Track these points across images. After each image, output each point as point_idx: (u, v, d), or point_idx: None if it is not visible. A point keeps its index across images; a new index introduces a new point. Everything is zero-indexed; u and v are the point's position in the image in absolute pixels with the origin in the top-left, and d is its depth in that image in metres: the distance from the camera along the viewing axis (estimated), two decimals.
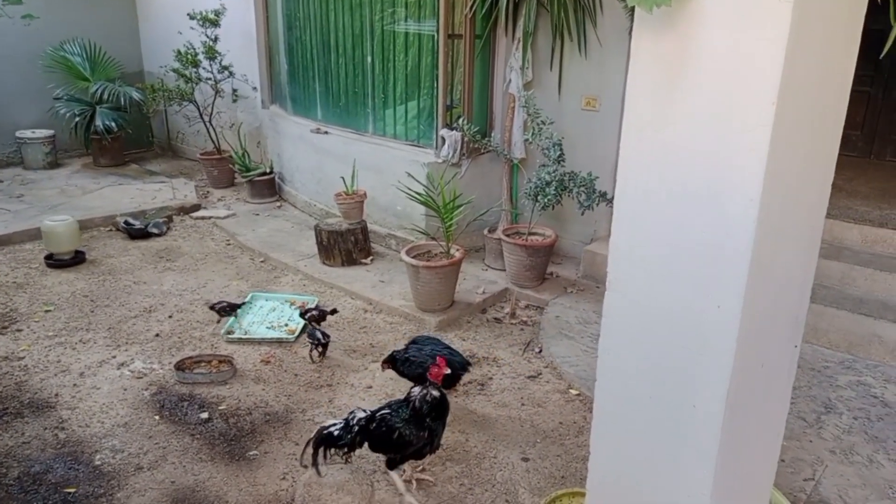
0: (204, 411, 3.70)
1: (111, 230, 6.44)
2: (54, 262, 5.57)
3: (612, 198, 4.83)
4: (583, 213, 4.83)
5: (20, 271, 5.47)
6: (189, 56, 7.47)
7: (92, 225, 6.44)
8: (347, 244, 5.59)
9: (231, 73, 7.58)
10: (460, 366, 3.68)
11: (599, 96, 5.26)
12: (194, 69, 7.52)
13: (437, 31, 5.26)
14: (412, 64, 5.68)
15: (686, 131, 1.88)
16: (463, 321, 4.83)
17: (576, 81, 5.34)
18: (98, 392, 3.84)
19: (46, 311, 4.79)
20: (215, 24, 7.45)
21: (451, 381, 3.62)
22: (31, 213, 6.54)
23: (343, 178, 5.76)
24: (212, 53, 7.45)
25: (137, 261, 5.78)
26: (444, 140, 5.48)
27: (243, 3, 7.38)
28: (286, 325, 4.69)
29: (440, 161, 5.50)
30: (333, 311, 4.59)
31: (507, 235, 5.22)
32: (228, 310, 4.55)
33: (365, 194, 5.77)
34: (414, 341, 3.86)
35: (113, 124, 8.08)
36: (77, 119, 8.09)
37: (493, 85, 5.70)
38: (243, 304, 4.71)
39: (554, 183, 4.74)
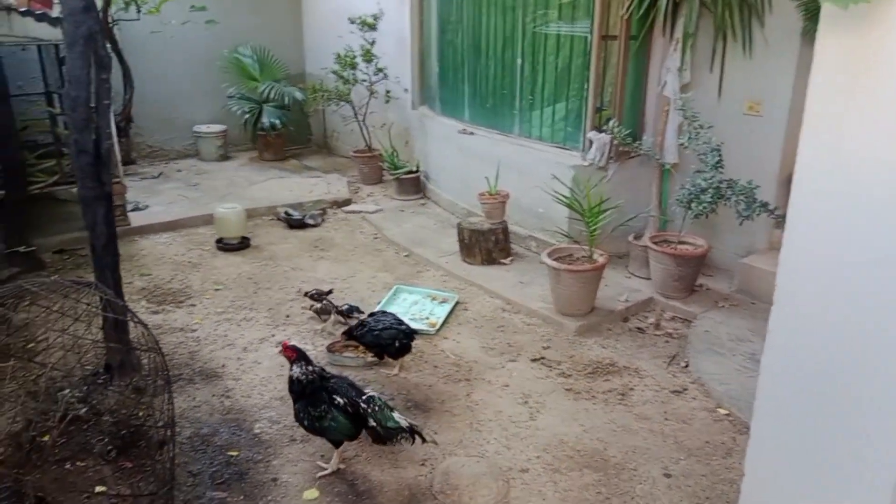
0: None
1: (272, 219, 6.96)
2: (224, 245, 6.11)
3: (775, 208, 4.56)
4: (741, 224, 4.57)
5: (195, 252, 6.06)
6: (348, 59, 7.91)
7: (256, 214, 6.99)
8: (488, 243, 5.66)
9: (385, 75, 7.93)
10: (405, 335, 4.02)
11: (763, 100, 4.94)
12: (352, 71, 7.94)
13: (591, 33, 5.19)
14: (562, 65, 5.65)
15: (873, 138, 1.74)
16: (603, 328, 4.73)
17: (737, 84, 5.06)
18: (259, 367, 4.18)
19: (216, 290, 5.28)
20: (373, 27, 7.83)
21: (400, 352, 4.05)
22: (205, 200, 7.21)
23: (487, 178, 5.84)
24: (368, 56, 7.83)
25: (295, 249, 6.21)
26: (591, 143, 5.40)
27: (399, 8, 7.68)
28: (427, 318, 4.83)
29: (586, 164, 5.42)
30: (329, 292, 4.89)
31: (655, 243, 5.05)
32: (317, 296, 4.75)
33: (508, 195, 5.82)
34: (372, 314, 4.25)
35: (277, 122, 8.73)
36: (246, 116, 8.82)
37: (647, 87, 5.53)
38: (330, 291, 4.93)
39: (710, 190, 4.53)
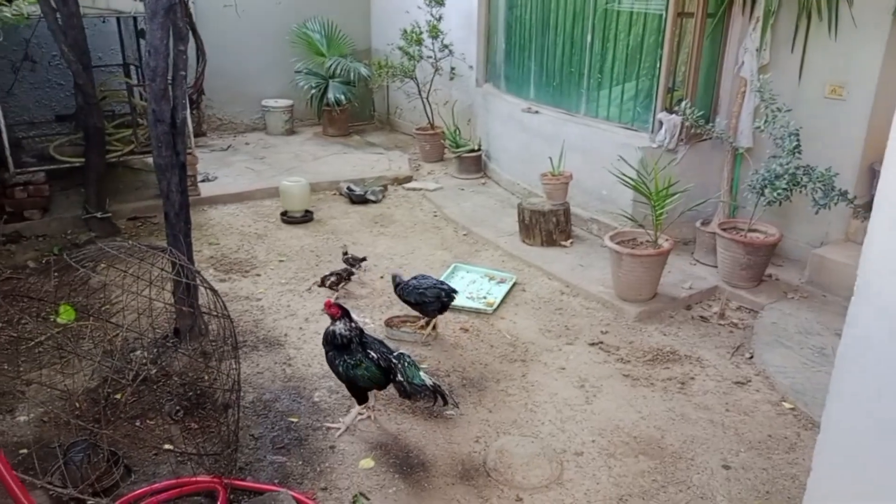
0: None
1: (335, 194, 7.06)
2: (288, 218, 6.25)
3: (854, 197, 4.33)
4: (817, 212, 4.37)
5: (260, 224, 6.22)
6: (414, 34, 7.89)
7: (319, 189, 7.10)
8: (549, 225, 5.60)
9: (451, 52, 7.88)
10: (446, 294, 4.19)
11: (847, 83, 4.68)
12: (418, 47, 7.93)
13: (666, 9, 5.01)
14: (633, 43, 5.48)
15: None
16: (665, 315, 4.63)
17: (820, 66, 4.81)
18: (318, 337, 4.22)
19: (280, 261, 5.41)
20: (441, 3, 7.77)
21: (442, 308, 4.23)
22: (271, 173, 7.37)
23: (550, 158, 5.76)
24: (435, 32, 7.79)
25: (356, 224, 6.29)
26: (661, 124, 5.24)
27: None
28: (485, 297, 4.83)
29: (655, 146, 5.27)
30: (363, 259, 5.13)
31: (724, 230, 4.88)
32: (336, 281, 4.81)
33: (571, 176, 5.72)
34: (415, 277, 4.33)
35: (342, 97, 8.82)
36: (313, 91, 8.94)
37: (722, 68, 5.31)
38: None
39: (786, 176, 4.34)
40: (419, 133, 8.24)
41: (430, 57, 7.93)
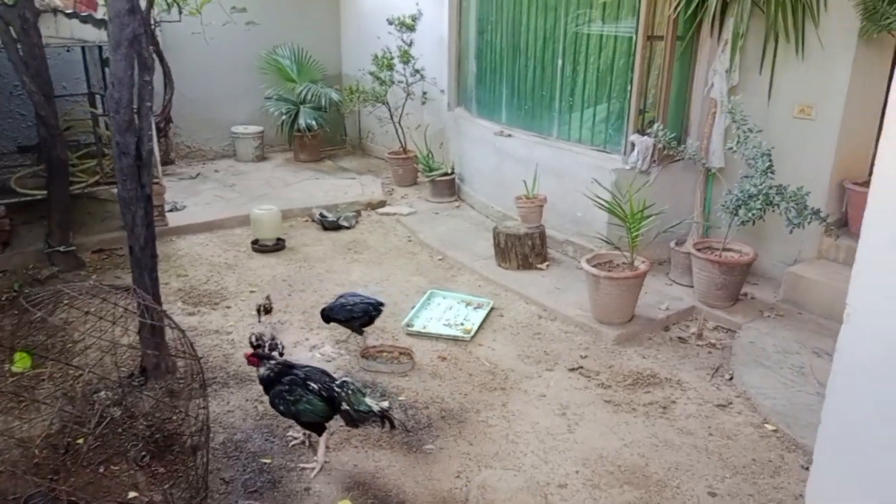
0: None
1: (307, 220, 6.95)
2: (259, 247, 6.12)
3: (828, 216, 4.36)
4: (791, 231, 4.38)
5: (230, 253, 6.08)
6: (385, 59, 7.87)
7: (291, 215, 6.98)
8: (524, 248, 5.56)
9: (422, 76, 7.87)
10: (375, 307, 4.28)
11: (816, 103, 4.74)
12: (389, 72, 7.90)
13: (636, 33, 5.05)
14: (604, 66, 5.51)
15: None
16: (643, 337, 4.59)
17: (788, 87, 4.87)
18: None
19: (251, 292, 5.27)
20: (411, 28, 7.78)
21: (368, 323, 4.31)
22: (241, 201, 7.24)
23: (524, 181, 5.73)
24: (406, 57, 7.79)
25: (329, 251, 6.18)
26: (633, 146, 5.26)
27: (438, 8, 7.61)
28: (462, 324, 4.75)
29: (628, 167, 5.28)
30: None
31: (698, 250, 4.88)
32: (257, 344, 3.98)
33: (545, 199, 5.70)
34: (342, 296, 4.41)
35: (314, 123, 8.74)
36: (283, 117, 8.85)
37: (692, 89, 5.36)
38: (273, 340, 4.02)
39: (760, 196, 4.35)
40: (392, 157, 8.19)
41: (402, 82, 7.92)
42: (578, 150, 5.79)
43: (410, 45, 7.79)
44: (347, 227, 6.73)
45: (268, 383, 3.29)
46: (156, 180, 6.32)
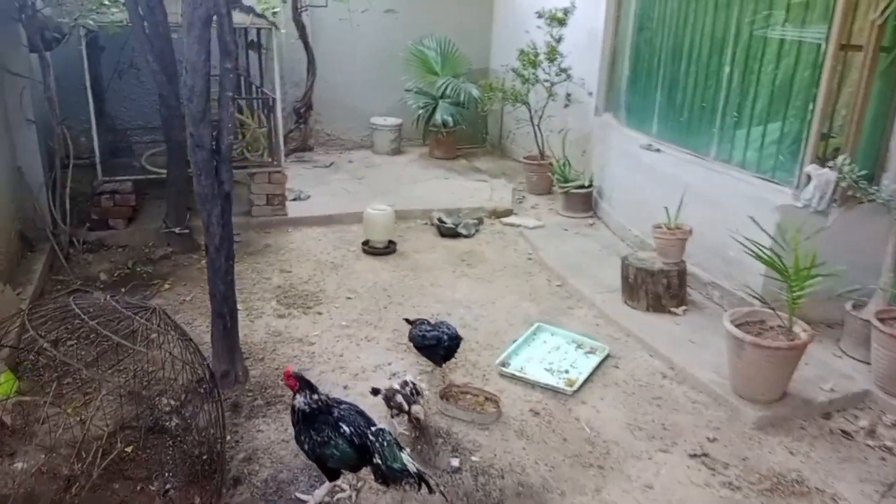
0: (456, 457, 3.29)
1: (426, 223, 6.54)
2: (369, 248, 5.79)
3: None
4: None
5: (339, 252, 5.81)
6: (530, 56, 7.25)
7: (411, 216, 6.62)
8: (657, 287, 4.73)
9: (568, 76, 7.16)
10: (450, 338, 3.77)
11: None
12: (532, 70, 7.27)
13: (826, 40, 4.05)
14: (782, 78, 4.52)
15: None
16: (794, 425, 3.65)
17: None
18: (363, 400, 3.69)
19: (348, 298, 4.94)
20: (562, 23, 7.09)
21: (444, 358, 3.84)
22: (365, 195, 6.96)
23: (667, 208, 4.88)
24: (553, 54, 7.11)
25: (441, 260, 5.72)
26: (809, 178, 4.26)
27: (594, 2, 6.84)
28: (566, 371, 4.07)
29: (799, 205, 4.29)
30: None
31: (882, 320, 3.83)
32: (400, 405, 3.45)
33: (690, 231, 4.82)
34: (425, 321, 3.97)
35: (450, 119, 8.32)
36: (420, 111, 8.52)
37: (895, 114, 4.24)
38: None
39: None
40: (527, 162, 7.57)
41: (546, 80, 7.25)
42: (739, 175, 4.84)
43: (559, 40, 7.09)
44: (466, 236, 6.24)
45: (300, 416, 2.87)
46: (278, 169, 6.23)
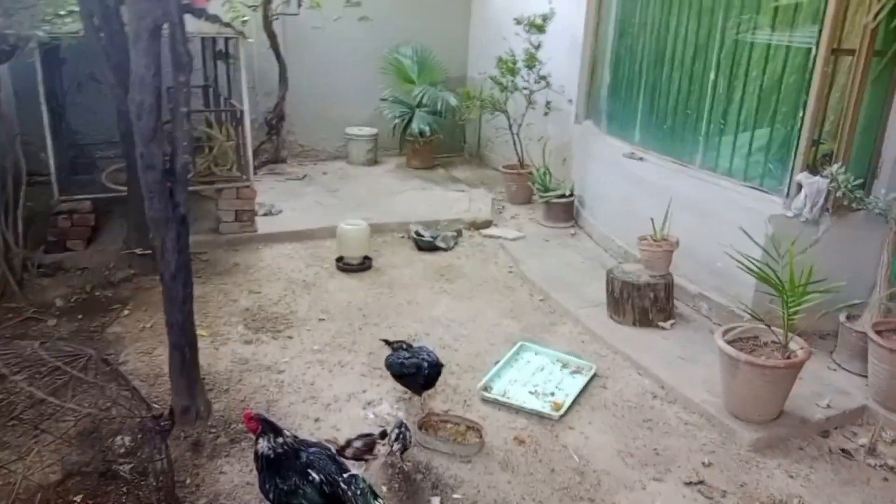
0: (437, 495, 3.05)
1: (403, 237, 6.31)
2: (343, 265, 5.54)
3: None
4: None
5: (312, 269, 5.55)
6: (508, 63, 7.06)
7: (387, 230, 6.38)
8: (644, 301, 4.54)
9: (548, 84, 6.99)
10: (429, 366, 3.51)
11: None
12: (511, 78, 7.09)
13: (817, 44, 3.89)
14: (768, 83, 4.37)
15: None
16: (792, 445, 3.47)
17: None
18: (338, 434, 3.44)
19: (320, 320, 4.68)
20: (541, 29, 6.92)
21: (424, 386, 3.59)
22: (339, 209, 6.70)
23: (652, 219, 4.70)
24: (532, 62, 6.94)
25: (418, 276, 5.49)
26: (800, 187, 4.10)
27: (574, 8, 6.68)
28: (552, 394, 3.85)
29: (790, 215, 4.12)
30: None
31: (878, 332, 3.67)
32: (362, 451, 3.14)
33: (676, 242, 4.64)
34: (409, 346, 3.74)
35: (427, 128, 8.11)
36: (396, 121, 8.30)
37: (888, 120, 4.08)
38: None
39: None
40: (506, 171, 7.36)
41: (525, 88, 7.06)
42: (726, 184, 4.67)
43: (538, 47, 6.91)
44: (444, 249, 6.01)
45: (266, 464, 2.62)
46: (246, 184, 5.96)
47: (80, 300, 4.86)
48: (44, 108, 5.09)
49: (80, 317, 4.62)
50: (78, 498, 2.94)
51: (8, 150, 5.02)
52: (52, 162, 5.20)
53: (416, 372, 3.52)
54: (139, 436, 3.36)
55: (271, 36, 7.59)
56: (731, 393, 3.60)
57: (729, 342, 3.58)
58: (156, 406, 3.61)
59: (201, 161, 6.04)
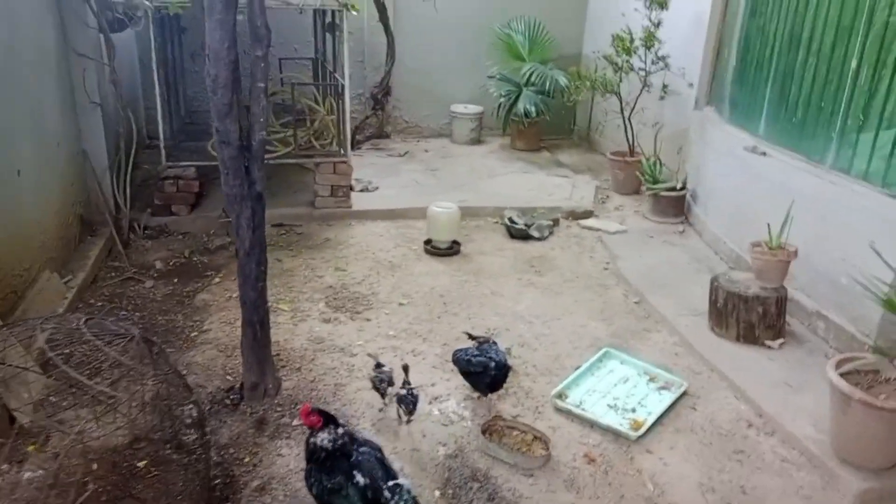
0: None
1: (497, 222, 6.09)
2: (431, 248, 5.42)
3: None
4: None
5: (400, 250, 5.47)
6: (624, 42, 6.59)
7: (482, 214, 6.19)
8: (751, 314, 4.09)
9: (666, 65, 6.47)
10: (496, 366, 3.32)
11: None
12: (626, 57, 6.62)
13: None
14: None
15: None
16: None
17: None
18: (398, 425, 3.35)
19: (400, 304, 4.59)
20: (663, 5, 6.38)
21: (491, 387, 3.41)
22: (436, 189, 6.58)
23: (769, 224, 4.20)
24: (650, 40, 6.43)
25: (507, 265, 5.27)
26: None
27: None
28: (633, 410, 3.55)
29: None
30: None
31: None
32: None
33: (795, 252, 4.13)
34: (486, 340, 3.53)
35: (532, 109, 7.78)
36: (502, 99, 8.03)
37: None
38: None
39: None
40: (614, 158, 6.94)
41: (641, 69, 6.58)
42: (860, 188, 4.08)
43: (658, 25, 6.39)
44: (538, 238, 5.74)
45: (322, 455, 2.54)
46: (343, 159, 5.96)
47: (178, 264, 5.06)
48: (156, 75, 5.29)
49: (175, 280, 4.79)
50: (142, 464, 3.01)
51: (121, 116, 5.25)
52: (160, 128, 5.41)
53: (482, 371, 3.34)
54: (208, 408, 3.44)
55: (381, 9, 7.52)
56: (841, 432, 3.14)
57: (844, 374, 3.12)
58: (228, 378, 3.70)
59: (302, 134, 6.10)
